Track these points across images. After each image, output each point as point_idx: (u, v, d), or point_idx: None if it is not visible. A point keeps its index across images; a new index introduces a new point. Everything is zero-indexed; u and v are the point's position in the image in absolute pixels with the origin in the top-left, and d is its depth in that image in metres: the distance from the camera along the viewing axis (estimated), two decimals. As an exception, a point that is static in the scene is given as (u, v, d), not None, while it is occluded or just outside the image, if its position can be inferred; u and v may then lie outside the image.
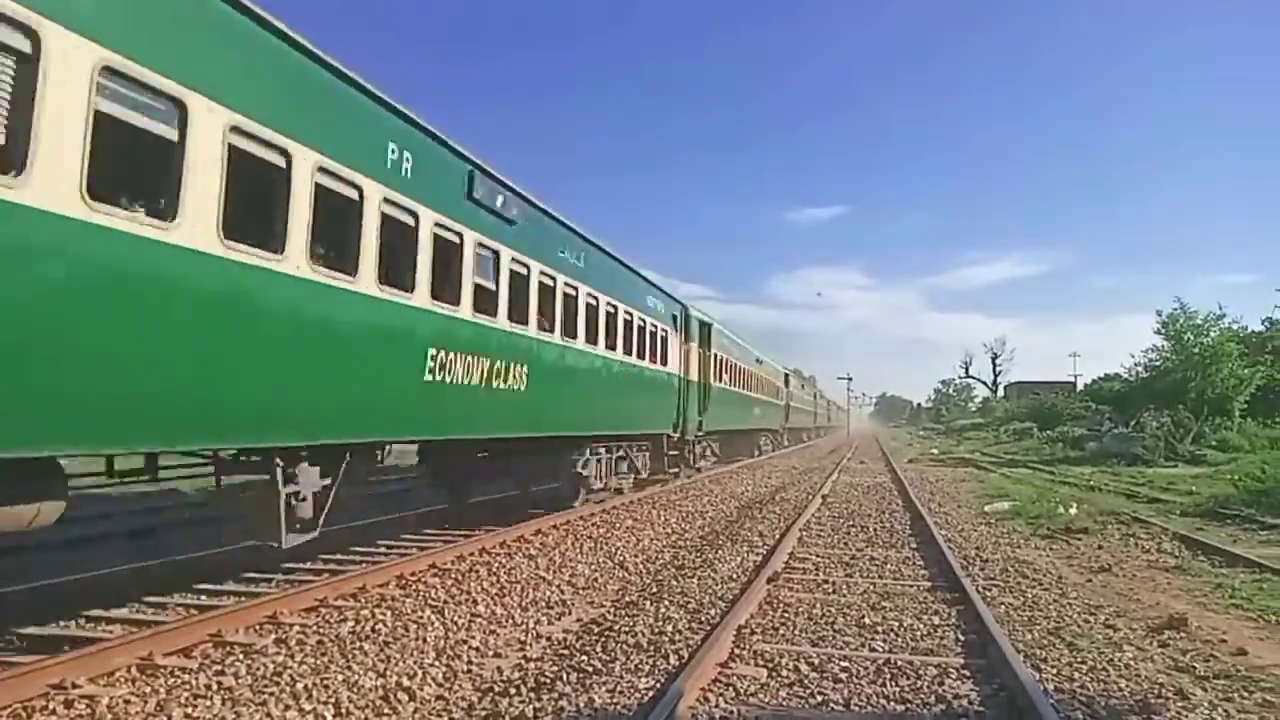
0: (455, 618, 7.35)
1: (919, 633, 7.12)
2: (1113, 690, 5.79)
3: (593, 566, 9.93)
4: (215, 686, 5.35)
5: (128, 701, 5.01)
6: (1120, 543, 12.98)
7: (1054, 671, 6.17)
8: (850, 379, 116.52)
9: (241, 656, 5.98)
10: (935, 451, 51.94)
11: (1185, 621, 7.58)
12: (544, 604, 8.05)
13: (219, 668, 5.72)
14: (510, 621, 7.36)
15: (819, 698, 5.46)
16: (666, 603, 8.06)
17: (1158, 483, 23.90)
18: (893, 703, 5.43)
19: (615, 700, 5.33)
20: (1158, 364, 46.97)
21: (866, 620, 7.46)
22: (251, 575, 8.79)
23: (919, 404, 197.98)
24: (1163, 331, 45.52)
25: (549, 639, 6.87)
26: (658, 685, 5.60)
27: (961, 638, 7.00)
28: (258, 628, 6.76)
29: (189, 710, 4.92)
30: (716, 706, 5.25)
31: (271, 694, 5.27)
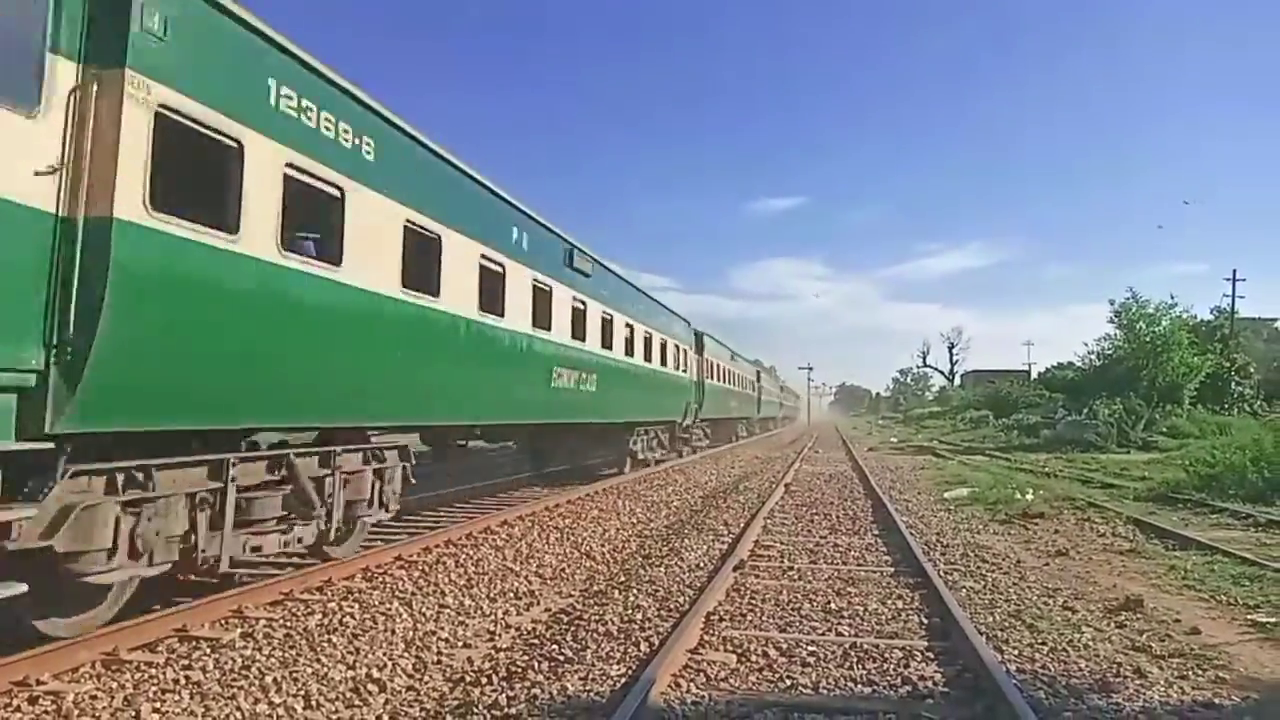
0: (423, 609, 7.32)
1: (884, 617, 7.24)
2: (1073, 670, 5.94)
3: (559, 557, 9.94)
4: (183, 681, 5.29)
5: (94, 697, 4.94)
6: (1076, 527, 13.27)
7: (1016, 652, 6.31)
8: (811, 369, 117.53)
9: (208, 651, 5.91)
10: (894, 440, 52.67)
11: (1141, 603, 7.79)
12: (512, 594, 8.05)
13: (186, 662, 5.65)
14: (479, 612, 7.35)
15: (788, 681, 5.54)
16: (635, 591, 8.10)
17: (1111, 468, 24.46)
18: (860, 685, 5.52)
19: (588, 687, 5.36)
20: (1110, 352, 47.99)
21: (832, 605, 7.57)
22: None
23: (878, 393, 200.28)
24: (1116, 320, 46.49)
25: (518, 629, 6.88)
26: (629, 672, 5.64)
27: (925, 621, 7.13)
28: (223, 622, 6.68)
29: (157, 705, 4.87)
30: (688, 692, 5.30)
31: (240, 687, 5.22)
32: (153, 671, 5.42)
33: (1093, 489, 19.30)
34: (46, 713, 4.71)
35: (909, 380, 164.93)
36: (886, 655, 6.10)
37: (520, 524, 12.28)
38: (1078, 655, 6.27)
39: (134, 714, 4.71)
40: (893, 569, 9.34)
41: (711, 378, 31.30)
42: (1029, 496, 16.23)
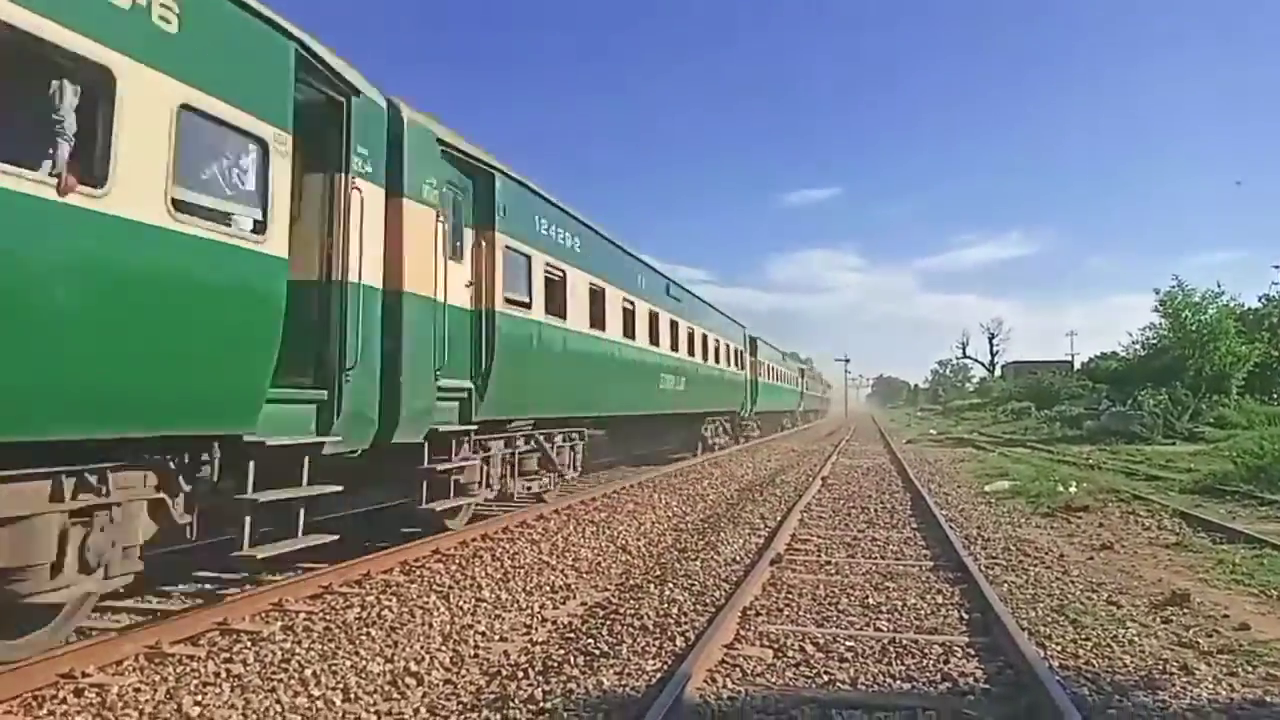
0: (460, 603, 7.36)
1: (923, 612, 7.15)
2: (1118, 666, 5.82)
3: (595, 550, 9.95)
4: (224, 674, 5.36)
5: (137, 690, 5.02)
6: (1121, 520, 13.02)
7: (1059, 648, 6.19)
8: (848, 361, 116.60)
9: (249, 644, 5.98)
10: (933, 432, 52.05)
11: (1188, 597, 7.61)
12: (548, 588, 8.06)
13: (227, 655, 5.73)
14: (515, 606, 7.37)
15: (825, 677, 5.48)
16: (670, 585, 8.08)
17: (1156, 460, 23.98)
18: (899, 681, 5.45)
19: (623, 682, 5.34)
20: (1155, 342, 47.17)
21: (870, 600, 7.49)
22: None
23: (916, 385, 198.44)
24: (1161, 309, 45.63)
25: (554, 623, 6.89)
26: (665, 667, 5.62)
27: (965, 616, 7.02)
28: (264, 615, 6.77)
29: (199, 698, 4.93)
30: (724, 687, 5.26)
31: (280, 680, 5.28)
32: (194, 664, 5.50)
33: (1137, 481, 18.93)
34: (91, 705, 4.79)
35: (948, 372, 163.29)
36: (926, 651, 6.02)
37: (556, 518, 12.31)
38: (1122, 651, 6.14)
39: (176, 706, 4.78)
40: (932, 563, 9.23)
41: (584, 322, 14.22)
42: (1072, 489, 15.95)
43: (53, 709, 4.74)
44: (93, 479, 5.42)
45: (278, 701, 4.94)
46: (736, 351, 31.54)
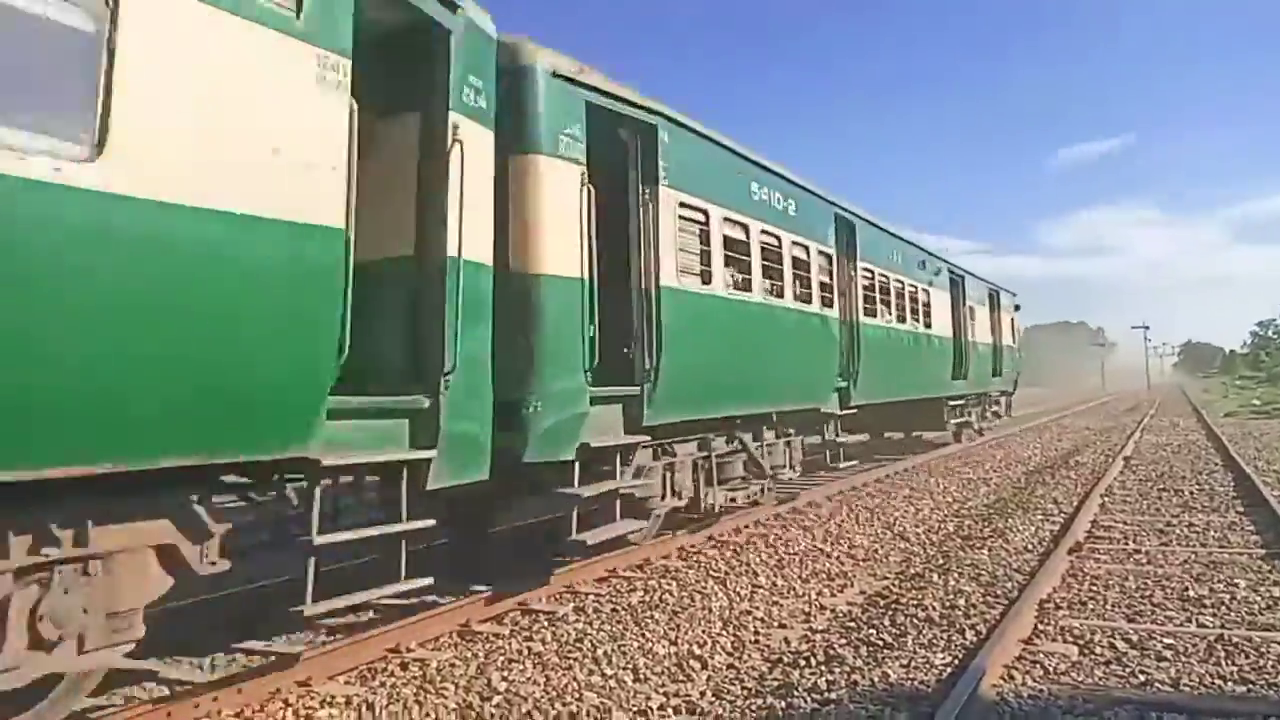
0: (737, 588, 7.44)
1: (1257, 606, 6.34)
2: None
3: (871, 537, 9.69)
4: (526, 651, 5.77)
5: (453, 665, 5.51)
6: None
7: None
8: (1147, 328, 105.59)
9: (546, 623, 6.40)
10: (1257, 403, 45.90)
11: None
12: (824, 576, 7.96)
13: (527, 634, 6.16)
14: (792, 593, 7.34)
15: (1141, 677, 4.99)
16: (955, 575, 7.70)
17: None
18: (1230, 683, 4.87)
19: (911, 675, 5.16)
20: None
21: (1190, 593, 6.74)
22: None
23: (1232, 350, 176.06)
24: None
25: (833, 611, 6.78)
26: (955, 661, 5.36)
27: (1311, 613, 6.14)
28: (558, 597, 7.21)
29: (505, 673, 5.33)
30: (1024, 684, 4.93)
31: (575, 659, 5.60)
32: (500, 642, 5.96)
33: None
34: (415, 678, 5.31)
35: (1271, 334, 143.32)
36: (1263, 650, 5.33)
37: (828, 504, 12.13)
38: None
39: (486, 681, 5.19)
40: (1264, 550, 8.16)
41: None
42: None
43: (384, 680, 5.30)
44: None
45: (574, 679, 5.23)
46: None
